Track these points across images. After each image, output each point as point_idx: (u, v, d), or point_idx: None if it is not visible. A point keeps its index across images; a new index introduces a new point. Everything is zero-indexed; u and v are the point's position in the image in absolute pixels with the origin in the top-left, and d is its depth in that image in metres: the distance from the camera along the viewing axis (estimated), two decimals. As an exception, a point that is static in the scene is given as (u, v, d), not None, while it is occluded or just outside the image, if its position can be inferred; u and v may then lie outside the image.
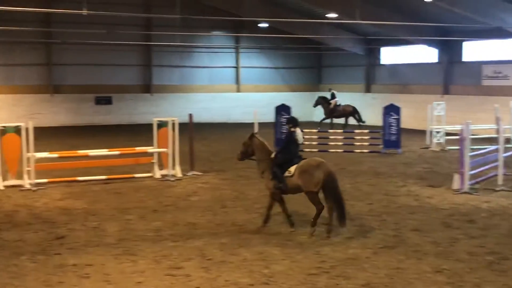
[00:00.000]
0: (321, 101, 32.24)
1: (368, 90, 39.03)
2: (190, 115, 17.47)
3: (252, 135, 11.19)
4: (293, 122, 11.10)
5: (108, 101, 36.92)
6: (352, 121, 31.48)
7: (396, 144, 22.49)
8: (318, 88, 42.74)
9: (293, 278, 8.03)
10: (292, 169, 10.48)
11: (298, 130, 10.90)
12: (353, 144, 22.85)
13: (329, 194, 10.28)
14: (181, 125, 16.90)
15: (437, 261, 8.79)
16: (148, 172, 16.75)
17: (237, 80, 41.05)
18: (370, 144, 22.77)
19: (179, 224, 11.19)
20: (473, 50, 31.96)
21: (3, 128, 15.03)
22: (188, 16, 24.80)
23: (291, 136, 10.89)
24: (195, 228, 10.85)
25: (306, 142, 22.99)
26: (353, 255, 9.06)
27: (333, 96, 31.92)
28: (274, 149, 11.34)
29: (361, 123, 29.73)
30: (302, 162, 10.57)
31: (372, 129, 25.53)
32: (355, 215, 11.88)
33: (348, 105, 31.46)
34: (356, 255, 9.06)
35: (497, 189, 14.61)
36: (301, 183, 10.36)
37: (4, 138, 14.96)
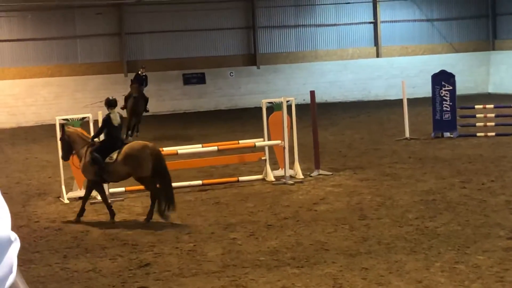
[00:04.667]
0: None
1: None
2: (312, 93, 17.48)
3: (63, 127, 13.73)
4: (109, 103, 13.77)
5: (200, 79, 37.50)
6: None
7: None
8: (493, 45, 41.58)
9: (467, 315, 7.88)
10: (114, 155, 12.97)
11: (115, 112, 13.49)
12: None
13: (158, 177, 12.90)
14: (300, 107, 16.99)
15: None
16: (258, 173, 16.94)
17: (376, 41, 40.67)
18: None
19: (303, 243, 11.25)
20: None
21: (65, 121, 15.55)
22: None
23: (108, 119, 13.40)
24: (325, 249, 10.86)
25: (480, 124, 22.47)
26: (553, 282, 8.77)
27: None
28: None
29: None
30: (126, 146, 13.18)
31: None
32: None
33: None
34: (557, 282, 8.77)
35: None
36: (129, 169, 12.99)
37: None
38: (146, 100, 25.41)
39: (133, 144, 13.47)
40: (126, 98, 25.19)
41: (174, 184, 16.20)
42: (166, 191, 12.93)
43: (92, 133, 15.51)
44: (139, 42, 36.88)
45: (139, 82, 25.92)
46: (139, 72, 26.49)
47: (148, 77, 26.86)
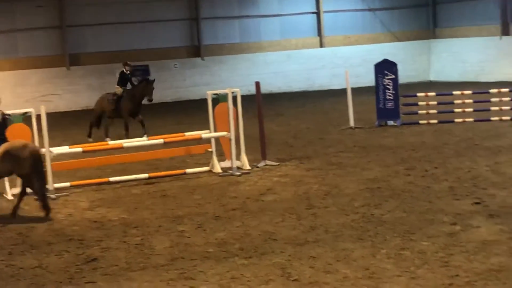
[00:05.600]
0: None
1: (506, 32, 38.04)
2: (257, 84, 17.49)
3: None
4: None
5: (144, 71, 37.27)
6: None
7: None
8: (433, 34, 42.06)
9: (414, 301, 8.00)
10: None
11: None
12: (489, 110, 22.40)
13: (34, 176, 13.09)
14: (246, 98, 17.00)
15: None
16: (205, 165, 16.92)
17: (319, 31, 40.83)
18: (512, 109, 22.30)
19: (251, 234, 11.27)
20: None
21: (8, 116, 15.32)
22: None
23: None
24: (273, 239, 10.89)
25: (422, 111, 22.78)
26: (498, 266, 8.92)
27: None
28: None
29: None
30: (5, 144, 13.30)
31: (515, 86, 24.95)
32: (497, 209, 11.70)
33: None
34: (502, 265, 8.91)
35: None
36: (10, 167, 13.14)
37: (9, 130, 15.02)
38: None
39: (14, 142, 13.48)
40: (115, 99, 23.35)
41: (120, 178, 16.19)
42: (41, 192, 13.28)
43: (36, 131, 15.39)
44: (81, 35, 36.52)
45: (124, 82, 23.91)
46: (125, 70, 24.08)
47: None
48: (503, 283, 8.32)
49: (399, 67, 23.15)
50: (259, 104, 17.43)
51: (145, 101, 23.21)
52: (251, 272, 9.31)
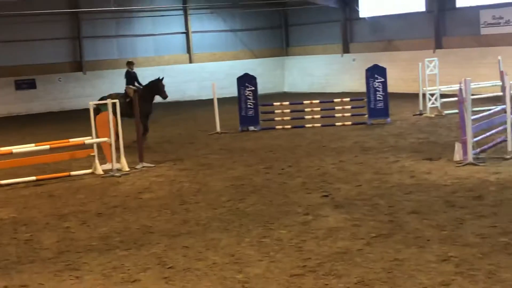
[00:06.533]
0: None
1: (346, 50, 39.19)
2: (135, 95, 17.31)
3: None
4: None
5: (31, 84, 36.46)
6: None
7: (383, 113, 22.67)
8: (286, 52, 42.82)
9: (273, 281, 8.05)
10: None
11: None
12: (333, 116, 22.96)
13: None
14: (124, 108, 16.75)
15: (442, 248, 8.90)
16: (88, 168, 16.61)
17: (188, 49, 40.84)
18: (353, 115, 22.92)
19: (130, 228, 11.13)
20: (469, -7, 32.25)
21: None
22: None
23: None
24: (150, 232, 10.80)
25: (278, 118, 23.15)
26: (343, 249, 9.13)
27: None
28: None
29: None
30: None
31: (355, 96, 25.63)
32: (342, 200, 11.97)
33: None
34: (346, 248, 9.13)
35: (507, 156, 14.84)
36: None
37: None
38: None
39: None
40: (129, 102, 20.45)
41: (10, 181, 15.66)
42: None
43: None
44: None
45: (132, 81, 21.84)
46: (130, 70, 22.09)
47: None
48: (347, 263, 8.52)
49: (258, 80, 23.40)
50: (137, 113, 17.27)
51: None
52: (131, 262, 9.19)
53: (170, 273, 8.63)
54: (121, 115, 20.40)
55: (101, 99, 20.60)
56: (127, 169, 16.47)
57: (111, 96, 20.59)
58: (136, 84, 21.98)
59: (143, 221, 11.54)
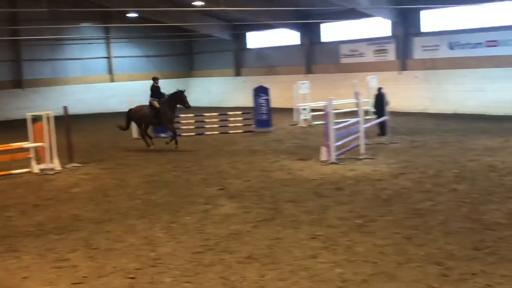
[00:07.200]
0: None
1: (238, 73, 39.43)
2: (65, 108, 16.81)
3: None
4: None
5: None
6: None
7: (267, 123, 22.93)
8: (191, 74, 42.71)
9: (179, 258, 8.00)
10: None
11: None
12: (227, 126, 23.03)
13: None
14: (57, 118, 16.22)
15: (311, 229, 9.07)
16: (26, 167, 15.99)
17: (110, 70, 40.13)
18: (243, 125, 23.07)
19: (61, 217, 10.79)
20: (331, 31, 33.10)
21: None
22: (55, 9, 23.90)
23: None
24: (78, 220, 10.50)
25: (184, 127, 23.00)
26: (235, 231, 9.16)
27: None
28: None
29: None
30: None
31: (244, 110, 25.80)
32: (235, 192, 12.01)
33: None
34: (238, 230, 9.17)
35: (360, 157, 15.30)
36: None
37: None
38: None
39: None
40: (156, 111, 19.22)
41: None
42: None
43: None
44: None
45: (157, 94, 19.71)
46: (155, 84, 19.90)
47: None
48: (239, 242, 8.55)
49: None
50: (67, 122, 16.76)
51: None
52: (62, 244, 8.92)
53: (95, 253, 8.42)
54: (150, 124, 19.59)
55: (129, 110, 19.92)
56: (59, 168, 15.96)
57: (136, 110, 19.71)
58: (158, 96, 19.83)
59: (72, 211, 11.21)
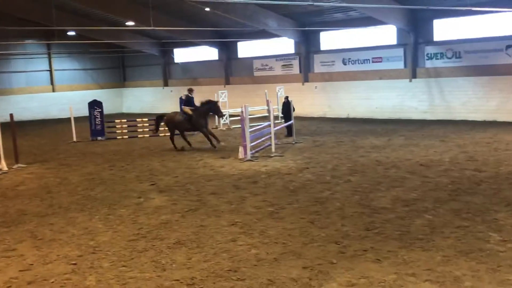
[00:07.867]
0: None
1: (166, 84, 38.98)
2: (11, 115, 16.06)
3: None
4: None
5: None
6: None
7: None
8: (124, 85, 41.89)
9: (116, 245, 7.82)
10: None
11: None
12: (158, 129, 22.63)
13: None
14: (4, 124, 15.50)
15: (231, 217, 9.10)
16: (-26, 168, 15.15)
17: (51, 82, 38.70)
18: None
19: (9, 212, 10.29)
20: (246, 48, 33.33)
21: None
22: (2, 28, 22.85)
23: None
24: (25, 214, 10.05)
25: (119, 130, 22.49)
26: (165, 220, 9.05)
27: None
28: None
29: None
30: None
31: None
32: (164, 187, 11.87)
33: None
34: (167, 220, 9.07)
35: (272, 155, 15.49)
36: None
37: None
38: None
39: None
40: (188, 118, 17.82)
41: None
42: None
43: None
44: None
45: (190, 103, 18.10)
46: (190, 95, 18.29)
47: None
48: (168, 230, 8.46)
49: (104, 104, 22.72)
50: (13, 128, 16.01)
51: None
52: (10, 236, 8.52)
53: (40, 243, 8.10)
54: (182, 129, 18.24)
55: (160, 116, 18.84)
56: (6, 168, 15.21)
57: (171, 117, 18.36)
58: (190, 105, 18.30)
59: (19, 206, 10.72)
